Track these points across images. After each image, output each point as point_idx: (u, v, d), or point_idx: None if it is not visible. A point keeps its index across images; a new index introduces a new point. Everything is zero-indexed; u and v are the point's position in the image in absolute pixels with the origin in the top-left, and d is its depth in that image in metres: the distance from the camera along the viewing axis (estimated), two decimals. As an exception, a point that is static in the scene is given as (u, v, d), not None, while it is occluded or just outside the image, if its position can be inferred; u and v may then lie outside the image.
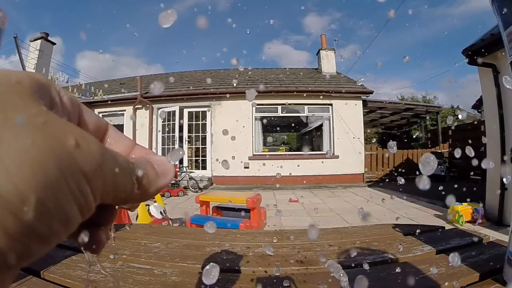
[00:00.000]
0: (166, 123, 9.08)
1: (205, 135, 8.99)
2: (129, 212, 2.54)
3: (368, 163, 9.11)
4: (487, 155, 4.73)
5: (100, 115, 9.67)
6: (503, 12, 0.59)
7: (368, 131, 17.06)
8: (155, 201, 3.38)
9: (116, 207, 0.19)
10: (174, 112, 8.92)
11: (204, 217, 3.27)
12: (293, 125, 12.39)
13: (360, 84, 9.54)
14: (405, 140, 14.62)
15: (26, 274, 0.61)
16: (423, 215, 4.73)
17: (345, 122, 8.65)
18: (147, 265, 0.68)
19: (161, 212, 3.28)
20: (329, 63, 10.80)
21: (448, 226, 0.99)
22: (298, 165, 8.45)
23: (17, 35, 8.91)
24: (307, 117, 10.09)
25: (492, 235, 0.85)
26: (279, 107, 9.10)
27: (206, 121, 8.97)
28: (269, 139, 10.02)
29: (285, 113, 9.34)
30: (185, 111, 9.08)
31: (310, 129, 11.85)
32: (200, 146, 9.12)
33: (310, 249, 0.77)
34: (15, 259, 0.11)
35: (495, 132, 4.29)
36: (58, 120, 0.13)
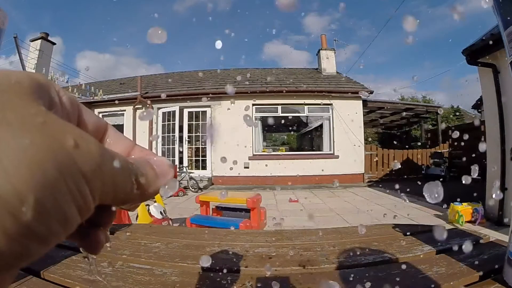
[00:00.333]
0: (166, 123, 9.08)
1: (205, 135, 8.99)
2: (129, 212, 2.54)
3: (368, 163, 9.12)
4: (487, 155, 4.74)
5: (100, 115, 9.63)
6: (503, 12, 0.59)
7: (368, 131, 17.06)
8: (155, 201, 3.37)
9: (114, 208, 0.19)
10: (174, 112, 8.91)
11: (204, 217, 3.27)
12: (293, 125, 12.39)
13: (361, 84, 9.54)
14: (404, 137, 14.63)
15: (26, 274, 0.61)
16: (423, 215, 4.73)
17: (345, 122, 8.65)
18: (147, 265, 0.68)
19: (161, 212, 3.27)
20: (329, 63, 10.80)
21: (448, 226, 0.99)
22: (298, 165, 8.45)
23: (17, 35, 8.90)
24: (307, 117, 10.10)
25: (492, 235, 0.85)
26: (279, 107, 9.09)
27: (206, 121, 8.96)
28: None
29: (285, 113, 9.34)
30: (185, 111, 9.08)
31: (310, 129, 11.86)
32: (200, 146, 9.12)
33: (310, 249, 0.77)
34: (14, 259, 0.11)
35: (495, 132, 4.29)
36: (57, 120, 0.13)
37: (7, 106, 0.12)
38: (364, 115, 9.26)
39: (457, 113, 21.88)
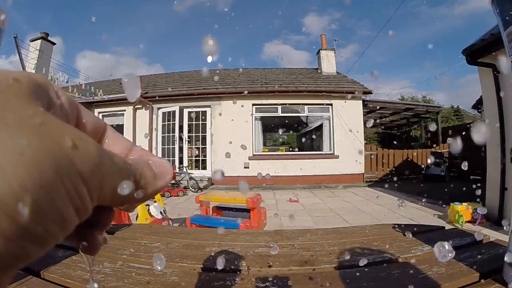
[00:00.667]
0: (166, 123, 9.08)
1: (205, 135, 8.99)
2: (129, 212, 2.54)
3: (368, 163, 9.12)
4: (487, 155, 4.74)
5: (100, 115, 9.62)
6: (503, 12, 0.59)
7: (368, 131, 17.08)
8: (155, 201, 3.37)
9: (113, 208, 0.19)
10: (174, 112, 8.91)
11: (204, 217, 3.27)
12: (293, 125, 12.39)
13: (361, 84, 9.54)
14: (405, 137, 14.62)
15: (26, 274, 0.61)
16: (423, 215, 4.73)
17: (345, 122, 8.65)
18: (147, 265, 0.68)
19: (161, 212, 3.27)
20: (329, 63, 10.79)
21: (448, 226, 0.99)
22: (298, 165, 8.45)
23: (17, 35, 8.89)
24: (307, 117, 10.09)
25: (492, 235, 0.85)
26: (279, 107, 9.09)
27: (206, 121, 8.97)
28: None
29: (285, 113, 9.34)
30: (185, 111, 9.08)
31: (310, 129, 11.85)
32: (200, 146, 9.12)
33: (310, 249, 0.77)
34: (11, 260, 0.11)
35: (495, 132, 4.29)
36: (55, 121, 0.13)
37: (5, 106, 0.12)
38: (364, 115, 9.26)
39: (458, 113, 21.90)
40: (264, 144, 10.00)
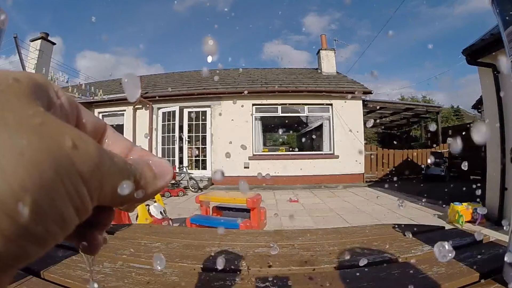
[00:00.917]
0: (166, 123, 9.08)
1: (205, 135, 8.99)
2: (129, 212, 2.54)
3: (368, 163, 9.11)
4: (487, 155, 4.74)
5: (100, 115, 9.61)
6: (503, 12, 0.59)
7: (368, 131, 17.09)
8: (155, 201, 3.37)
9: (113, 208, 0.19)
10: (174, 112, 8.91)
11: (204, 217, 3.27)
12: (293, 125, 12.38)
13: (361, 84, 9.54)
14: (405, 137, 14.62)
15: (26, 274, 0.61)
16: (423, 215, 4.73)
17: (345, 122, 8.66)
18: (147, 265, 0.68)
19: (161, 212, 3.27)
20: (329, 63, 10.79)
21: (448, 226, 0.99)
22: (298, 165, 8.45)
23: (17, 35, 8.89)
24: (307, 117, 10.09)
25: (492, 235, 0.85)
26: (279, 107, 9.09)
27: (206, 121, 8.97)
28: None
29: (285, 113, 9.34)
30: (185, 111, 9.08)
31: (310, 129, 11.85)
32: (200, 146, 9.12)
33: (310, 249, 0.77)
34: (11, 260, 0.11)
35: (495, 132, 4.29)
36: (55, 121, 0.13)
37: (5, 106, 0.12)
38: (364, 115, 9.26)
39: (458, 113, 21.90)
40: (264, 144, 10.00)
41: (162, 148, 9.14)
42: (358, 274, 0.61)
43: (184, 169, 8.12)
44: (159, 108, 9.13)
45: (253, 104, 8.85)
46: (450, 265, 0.62)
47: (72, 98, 0.18)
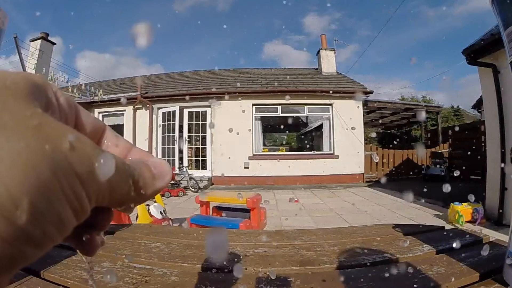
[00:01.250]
0: (166, 123, 9.08)
1: (205, 135, 8.99)
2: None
3: (368, 163, 9.11)
4: (487, 155, 4.74)
5: (100, 115, 9.60)
6: (503, 12, 0.59)
7: (368, 131, 17.08)
8: (155, 201, 3.37)
9: (112, 209, 0.19)
10: (174, 112, 8.91)
11: (204, 217, 3.27)
12: (293, 125, 12.37)
13: (361, 84, 9.54)
14: (405, 137, 14.61)
15: (26, 274, 0.61)
16: (423, 215, 4.73)
17: (345, 122, 8.65)
18: (147, 265, 0.68)
19: (161, 212, 3.27)
20: (329, 63, 10.79)
21: (448, 226, 0.99)
22: (298, 165, 8.45)
23: (17, 35, 8.89)
24: (307, 117, 10.09)
25: (492, 235, 0.85)
26: (279, 107, 9.09)
27: (206, 121, 8.97)
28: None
29: (285, 113, 9.34)
30: (185, 111, 9.08)
31: (310, 129, 11.85)
32: (200, 146, 9.12)
33: (310, 249, 0.77)
34: (9, 263, 0.11)
35: (495, 132, 4.29)
36: (53, 122, 0.13)
37: (2, 107, 0.12)
38: (364, 115, 9.26)
39: (458, 113, 21.89)
40: (264, 144, 9.99)
41: (162, 148, 9.14)
42: (358, 274, 0.61)
43: (184, 169, 8.12)
44: (159, 108, 9.13)
45: (253, 104, 8.85)
46: (450, 265, 0.62)
47: (71, 98, 0.18)
